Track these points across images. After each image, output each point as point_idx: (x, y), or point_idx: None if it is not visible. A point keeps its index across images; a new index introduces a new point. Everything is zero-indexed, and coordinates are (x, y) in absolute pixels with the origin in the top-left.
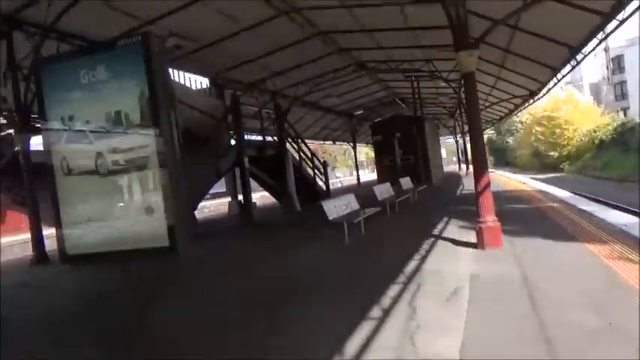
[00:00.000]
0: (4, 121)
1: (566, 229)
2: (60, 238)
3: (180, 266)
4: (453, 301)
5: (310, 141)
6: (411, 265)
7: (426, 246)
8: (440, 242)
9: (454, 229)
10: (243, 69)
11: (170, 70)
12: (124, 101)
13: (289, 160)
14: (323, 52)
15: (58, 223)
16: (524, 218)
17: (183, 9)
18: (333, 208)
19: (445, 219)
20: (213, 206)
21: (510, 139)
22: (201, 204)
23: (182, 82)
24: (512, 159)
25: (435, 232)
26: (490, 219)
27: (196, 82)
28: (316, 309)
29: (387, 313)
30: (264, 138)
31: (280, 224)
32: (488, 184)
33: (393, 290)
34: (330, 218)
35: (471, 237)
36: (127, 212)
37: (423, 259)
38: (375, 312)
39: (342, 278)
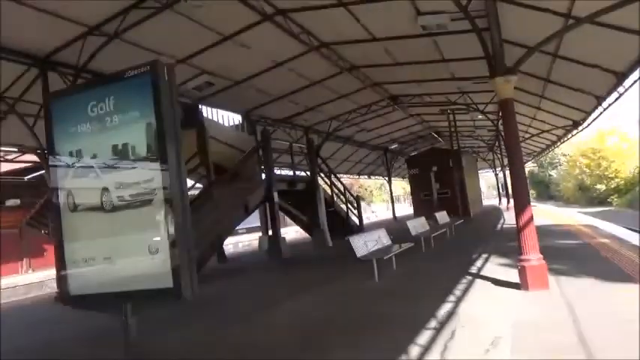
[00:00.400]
0: (39, 160)
1: (622, 269)
2: (63, 278)
3: (186, 308)
4: (492, 354)
5: (345, 176)
6: (445, 309)
7: (462, 286)
8: (478, 282)
9: (494, 267)
10: (275, 105)
11: (203, 108)
12: (132, 133)
13: (321, 195)
14: (355, 87)
15: (62, 262)
16: (573, 255)
17: (213, 47)
18: (363, 245)
19: (484, 255)
20: (248, 241)
21: (553, 172)
22: (237, 239)
23: (215, 118)
24: (555, 192)
25: (473, 270)
26: (534, 257)
27: (229, 118)
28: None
29: None
30: (294, 173)
31: (309, 260)
32: (531, 219)
33: (423, 338)
34: (359, 255)
35: (513, 276)
36: (131, 251)
37: (459, 301)
38: None
39: (365, 322)
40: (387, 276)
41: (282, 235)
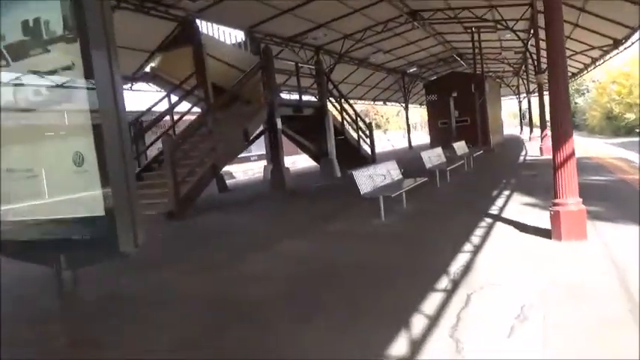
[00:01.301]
0: None
1: None
2: None
3: (165, 245)
4: (519, 332)
5: (359, 102)
6: (459, 262)
7: (480, 230)
8: (499, 226)
9: (517, 206)
10: (282, 20)
11: (202, 24)
12: (44, 3)
13: (330, 122)
14: (370, 0)
15: None
16: (609, 195)
17: None
18: (368, 180)
19: (506, 193)
20: (258, 168)
21: (579, 100)
22: (246, 166)
23: (213, 35)
24: (580, 122)
25: (493, 210)
26: (572, 201)
27: (231, 36)
28: (310, 336)
29: (416, 348)
30: (300, 97)
31: (313, 192)
32: (572, 154)
33: (430, 304)
34: (363, 193)
35: (540, 220)
36: (54, 165)
37: (476, 251)
38: (399, 346)
39: (361, 277)
40: (396, 215)
41: (287, 166)
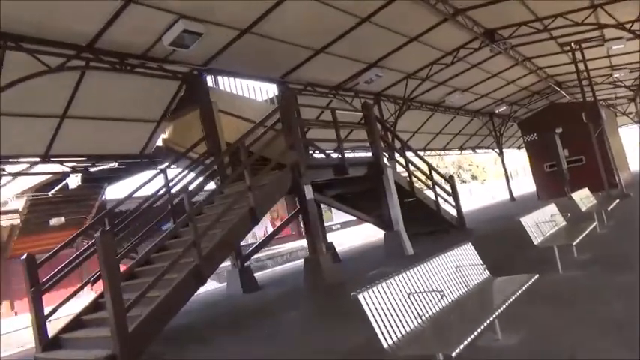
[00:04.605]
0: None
1: None
2: None
3: None
4: None
5: (443, 153)
6: None
7: None
8: None
9: None
10: (319, 63)
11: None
12: None
13: (390, 182)
14: (430, 22)
15: None
16: None
17: None
18: (399, 311)
19: None
20: (337, 243)
21: None
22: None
23: (229, 89)
24: None
25: None
26: None
27: (262, 91)
28: None
29: None
30: (343, 154)
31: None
32: None
33: None
34: (387, 346)
35: None
36: None
37: None
38: None
39: None
40: None
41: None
